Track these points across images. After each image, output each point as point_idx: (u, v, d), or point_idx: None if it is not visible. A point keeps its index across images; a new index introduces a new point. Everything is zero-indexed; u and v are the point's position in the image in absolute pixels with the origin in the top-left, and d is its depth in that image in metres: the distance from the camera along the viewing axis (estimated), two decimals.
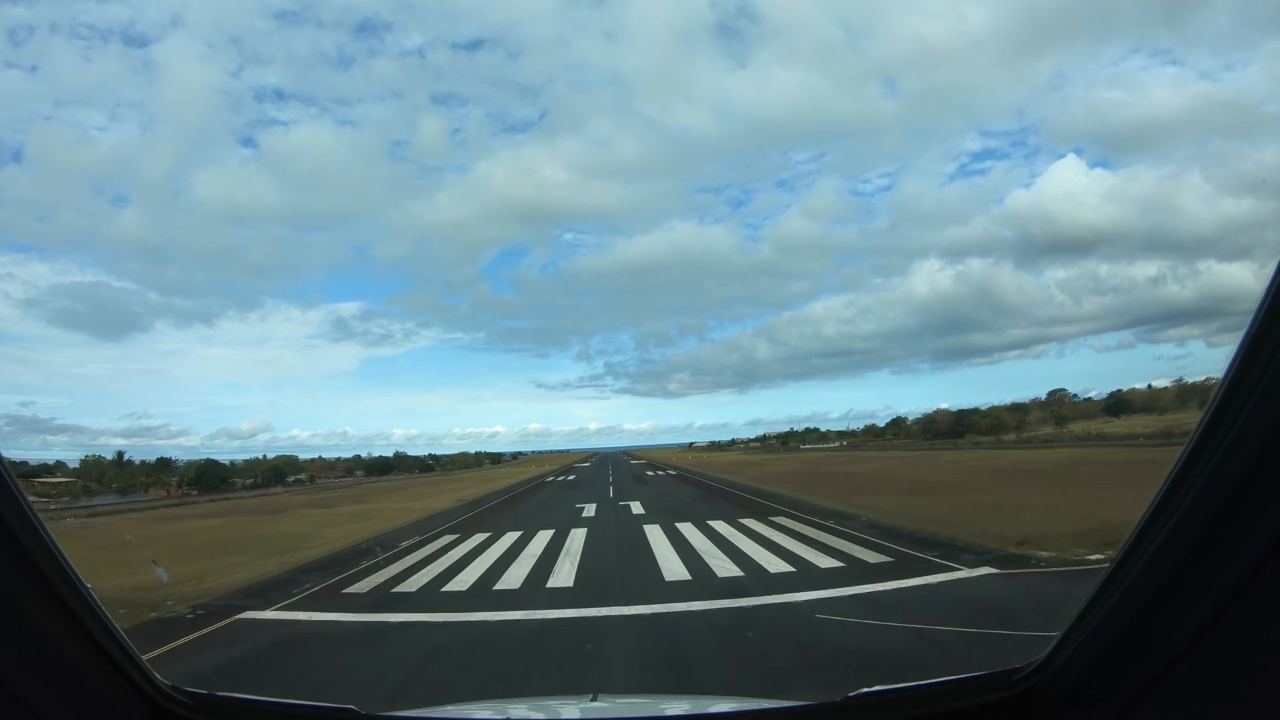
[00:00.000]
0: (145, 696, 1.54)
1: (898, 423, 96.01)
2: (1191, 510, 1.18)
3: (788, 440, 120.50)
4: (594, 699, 2.59)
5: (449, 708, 2.88)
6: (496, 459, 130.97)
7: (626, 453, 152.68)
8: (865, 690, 1.66)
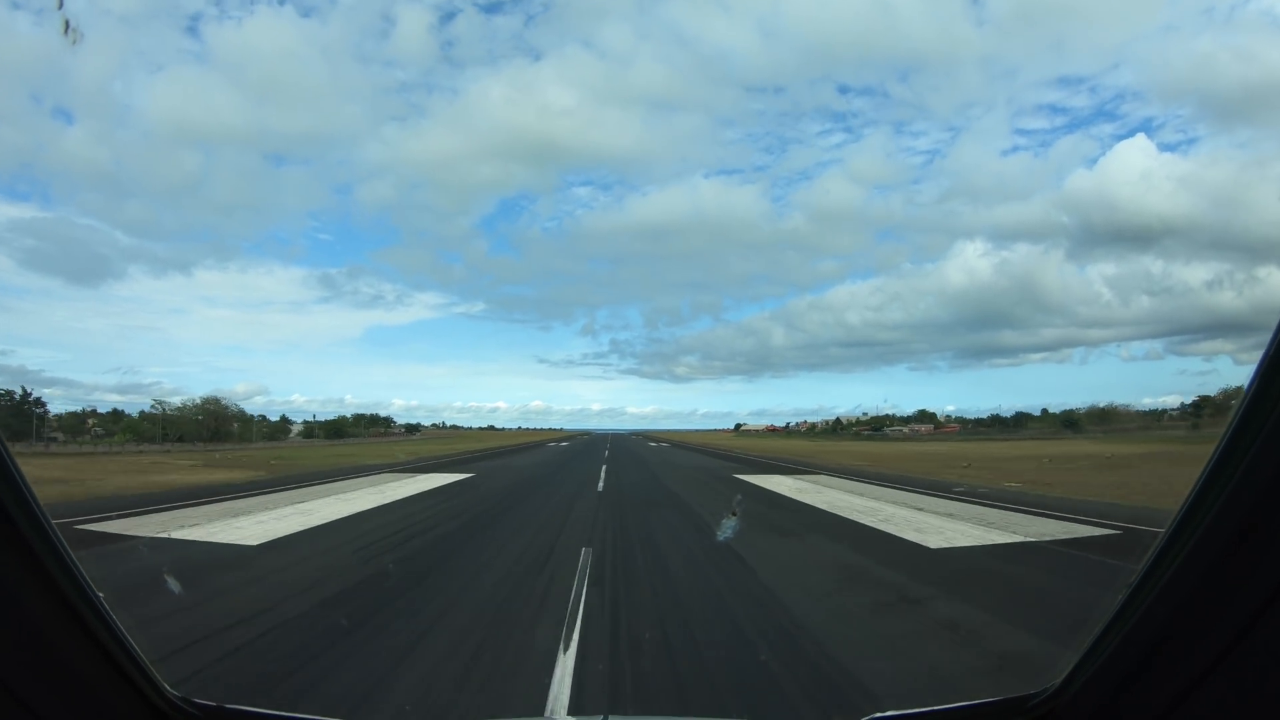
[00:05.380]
0: (153, 707, 1.54)
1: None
2: (1211, 532, 1.15)
3: (1018, 422, 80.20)
4: (605, 719, 2.61)
5: None
6: (333, 432, 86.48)
7: (645, 436, 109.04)
8: (878, 715, 1.67)
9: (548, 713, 3.73)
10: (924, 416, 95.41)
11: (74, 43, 2.24)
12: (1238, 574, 1.13)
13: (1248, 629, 1.11)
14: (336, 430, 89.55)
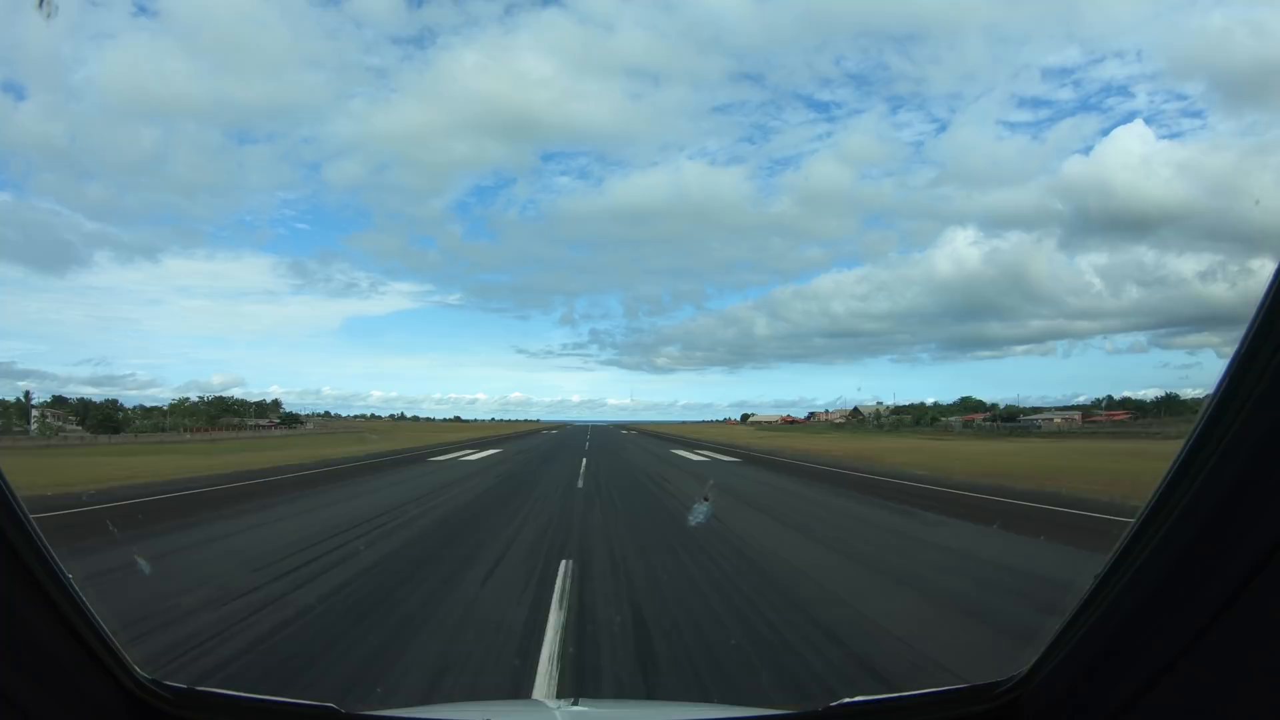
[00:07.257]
0: (124, 689, 1.53)
1: None
2: (1179, 524, 1.18)
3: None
4: (575, 703, 2.62)
5: (429, 708, 2.91)
6: (102, 423, 55.46)
7: (641, 430, 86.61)
8: (846, 700, 1.69)
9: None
10: (967, 404, 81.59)
11: (49, 15, 2.13)
12: (1204, 569, 1.15)
13: (1212, 623, 1.13)
14: (106, 421, 54.74)
